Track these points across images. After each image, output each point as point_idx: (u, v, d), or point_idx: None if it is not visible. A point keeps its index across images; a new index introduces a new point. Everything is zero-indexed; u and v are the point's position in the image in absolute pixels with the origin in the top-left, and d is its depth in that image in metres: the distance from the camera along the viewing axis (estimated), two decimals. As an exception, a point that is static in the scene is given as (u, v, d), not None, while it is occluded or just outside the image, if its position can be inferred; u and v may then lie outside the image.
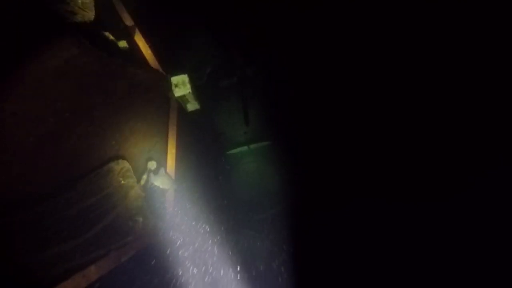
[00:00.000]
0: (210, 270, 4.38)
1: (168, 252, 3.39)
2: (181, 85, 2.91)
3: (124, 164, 2.47)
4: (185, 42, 4.22)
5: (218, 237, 4.91)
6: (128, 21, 3.06)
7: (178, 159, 3.39)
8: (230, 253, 4.97)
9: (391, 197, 3.76)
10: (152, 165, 2.95)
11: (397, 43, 3.59)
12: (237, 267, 4.77)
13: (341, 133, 5.13)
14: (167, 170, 3.02)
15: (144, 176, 2.92)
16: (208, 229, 4.45)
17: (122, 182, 2.40)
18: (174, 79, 2.93)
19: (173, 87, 2.94)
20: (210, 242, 4.54)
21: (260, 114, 6.27)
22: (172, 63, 3.39)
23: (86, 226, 2.22)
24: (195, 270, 4.06)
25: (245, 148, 6.75)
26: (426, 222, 3.28)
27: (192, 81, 2.99)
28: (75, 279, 1.93)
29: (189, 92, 2.97)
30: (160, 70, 2.87)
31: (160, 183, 3.17)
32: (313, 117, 5.62)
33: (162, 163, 3.01)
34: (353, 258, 4.01)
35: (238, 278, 4.63)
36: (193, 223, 3.83)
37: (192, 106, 3.48)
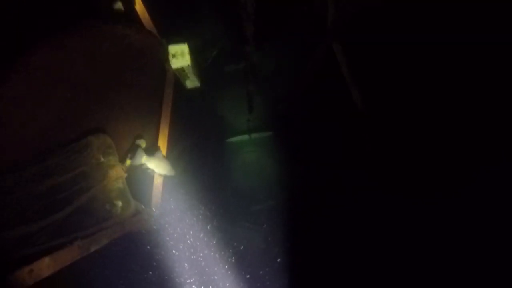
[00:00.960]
0: (203, 263, 4.08)
1: (152, 243, 3.06)
2: (180, 56, 2.51)
3: (105, 139, 2.10)
4: (193, 19, 3.81)
5: (213, 228, 4.61)
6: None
7: (172, 141, 3.03)
8: (225, 245, 4.68)
9: (394, 192, 3.51)
10: (141, 143, 2.59)
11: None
12: (231, 260, 4.47)
13: (346, 129, 4.67)
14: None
15: (132, 156, 2.56)
16: (202, 219, 4.12)
17: (102, 159, 2.04)
18: (172, 48, 2.53)
19: (170, 57, 2.55)
20: (203, 233, 4.22)
21: (264, 104, 5.93)
22: (172, 35, 3.00)
23: (56, 206, 1.86)
24: (185, 264, 3.75)
25: (246, 137, 6.40)
26: (428, 217, 3.11)
27: (192, 54, 2.60)
28: (36, 266, 1.58)
29: (188, 65, 2.58)
30: (155, 33, 2.46)
31: (155, 167, 2.79)
32: (319, 111, 5.32)
33: (152, 144, 2.65)
34: (353, 254, 3.75)
35: (232, 271, 4.32)
36: (185, 212, 3.50)
37: (191, 83, 3.09)
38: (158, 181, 2.63)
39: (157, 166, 2.78)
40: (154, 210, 2.57)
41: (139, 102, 2.60)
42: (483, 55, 2.64)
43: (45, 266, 1.48)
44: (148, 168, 2.79)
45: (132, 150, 2.56)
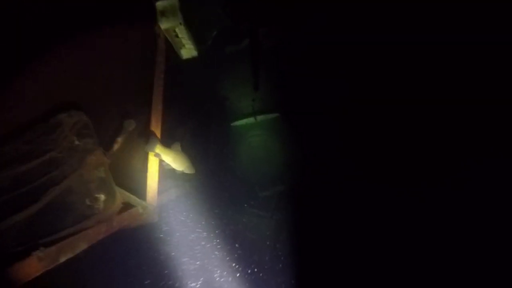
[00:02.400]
0: (208, 254, 3.70)
1: (152, 237, 2.65)
2: (170, 14, 1.99)
3: (79, 117, 1.62)
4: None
5: (217, 216, 4.21)
6: None
7: (169, 123, 2.55)
8: (231, 233, 4.29)
9: (403, 182, 3.56)
10: (129, 125, 2.12)
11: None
12: (238, 250, 4.09)
13: (357, 111, 4.55)
14: (151, 132, 2.19)
15: (119, 139, 2.10)
16: (205, 208, 3.71)
17: (76, 142, 1.57)
18: (160, 5, 2.00)
19: (158, 16, 2.03)
20: (207, 221, 3.81)
21: (270, 83, 5.42)
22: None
23: (20, 202, 1.43)
24: (186, 258, 3.36)
25: (251, 119, 5.87)
26: (413, 205, 3.19)
27: (183, 12, 2.07)
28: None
29: (181, 24, 2.06)
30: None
31: (172, 161, 2.37)
32: (327, 93, 4.87)
33: (142, 122, 2.18)
34: (361, 245, 3.69)
35: (239, 261, 3.95)
36: (186, 201, 3.08)
37: (187, 52, 2.57)
38: (153, 168, 2.18)
39: (174, 161, 2.37)
40: (150, 201, 2.13)
41: (120, 71, 2.10)
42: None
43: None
44: (162, 162, 2.34)
45: (119, 135, 2.09)
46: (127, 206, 1.97)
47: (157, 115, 2.26)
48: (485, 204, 2.62)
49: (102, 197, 1.58)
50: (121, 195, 1.99)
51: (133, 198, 2.02)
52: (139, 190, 2.17)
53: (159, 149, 2.25)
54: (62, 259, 1.32)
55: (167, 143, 2.36)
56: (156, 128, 2.19)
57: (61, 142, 1.53)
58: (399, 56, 3.33)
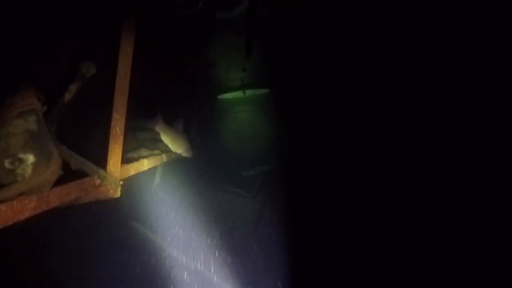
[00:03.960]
0: (187, 235, 3.27)
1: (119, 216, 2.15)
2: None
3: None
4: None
5: (198, 194, 3.76)
6: None
7: (141, 79, 2.00)
8: (212, 213, 3.87)
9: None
10: (87, 69, 1.55)
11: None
12: (219, 231, 3.70)
13: (350, 92, 4.30)
14: (115, 96, 1.63)
15: (72, 87, 1.54)
16: (184, 184, 3.23)
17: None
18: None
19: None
20: (185, 200, 3.35)
21: (262, 56, 4.90)
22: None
23: None
24: (165, 240, 2.89)
25: (240, 93, 5.33)
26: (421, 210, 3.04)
27: None
28: None
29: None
30: None
31: (170, 141, 2.22)
32: (322, 69, 4.47)
33: (106, 68, 1.61)
34: (346, 227, 3.54)
35: (220, 243, 3.56)
36: (161, 174, 2.58)
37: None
38: (118, 128, 1.64)
39: (172, 141, 2.23)
40: (111, 171, 1.62)
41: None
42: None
43: None
44: (155, 139, 2.02)
45: (73, 83, 1.52)
46: (77, 174, 1.45)
47: (126, 62, 1.69)
48: (485, 205, 2.53)
49: (30, 158, 1.05)
50: (72, 159, 1.47)
51: (87, 165, 1.50)
52: (99, 155, 1.64)
53: (160, 126, 2.10)
54: None
55: (168, 120, 2.10)
56: (122, 90, 1.63)
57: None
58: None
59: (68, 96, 1.52)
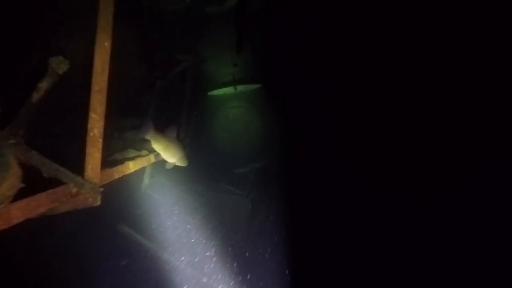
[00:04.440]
0: (177, 231, 3.15)
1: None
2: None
3: None
4: None
5: (189, 192, 3.63)
6: None
7: (125, 78, 1.83)
8: (204, 211, 3.76)
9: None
10: (58, 64, 1.39)
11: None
12: (210, 228, 3.59)
13: (343, 89, 4.18)
14: (92, 95, 1.46)
15: (42, 85, 1.37)
16: (175, 185, 3.09)
17: None
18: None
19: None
20: (177, 197, 3.21)
21: (253, 51, 4.75)
22: None
23: None
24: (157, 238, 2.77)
25: (231, 89, 5.16)
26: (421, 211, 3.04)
27: None
28: None
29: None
30: None
31: (162, 150, 2.04)
32: (322, 69, 4.34)
33: (81, 66, 1.45)
34: (347, 228, 3.50)
35: (212, 242, 3.45)
36: (149, 179, 2.44)
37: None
38: (95, 131, 1.49)
39: (165, 150, 2.04)
40: (90, 177, 1.47)
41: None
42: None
43: None
44: (140, 146, 1.86)
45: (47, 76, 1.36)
46: (52, 182, 1.30)
47: (103, 57, 1.52)
48: (485, 205, 2.50)
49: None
50: (44, 166, 1.31)
51: (62, 171, 1.35)
52: (76, 161, 1.49)
53: (152, 135, 1.95)
54: None
55: (160, 126, 1.98)
56: (100, 83, 1.47)
57: None
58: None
59: (37, 96, 1.35)
